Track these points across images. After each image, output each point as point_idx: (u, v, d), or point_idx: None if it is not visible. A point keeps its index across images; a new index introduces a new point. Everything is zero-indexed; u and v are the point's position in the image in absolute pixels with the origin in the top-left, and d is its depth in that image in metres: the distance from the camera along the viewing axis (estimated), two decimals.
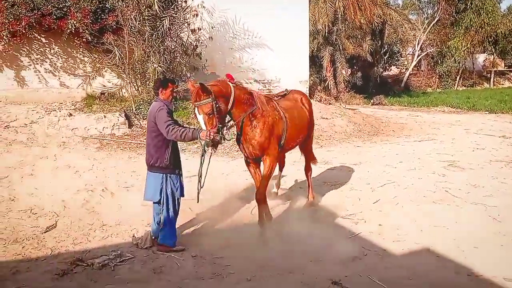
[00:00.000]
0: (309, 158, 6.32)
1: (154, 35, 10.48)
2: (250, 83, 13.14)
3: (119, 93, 11.24)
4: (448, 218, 5.63)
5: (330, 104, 13.95)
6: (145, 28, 10.35)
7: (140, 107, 10.38)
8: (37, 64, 10.73)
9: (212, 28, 12.25)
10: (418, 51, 28.41)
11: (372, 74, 25.10)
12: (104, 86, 11.25)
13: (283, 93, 5.91)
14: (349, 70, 24.12)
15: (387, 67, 28.25)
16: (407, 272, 4.23)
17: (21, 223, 5.57)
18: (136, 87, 10.94)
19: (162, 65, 10.48)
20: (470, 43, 28.06)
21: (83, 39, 10.28)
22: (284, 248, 4.77)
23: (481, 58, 32.77)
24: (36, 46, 10.67)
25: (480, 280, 4.07)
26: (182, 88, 10.33)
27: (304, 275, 4.17)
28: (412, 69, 28.98)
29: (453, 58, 28.20)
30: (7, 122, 9.34)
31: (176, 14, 10.69)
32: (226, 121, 4.86)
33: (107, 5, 10.64)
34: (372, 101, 21.08)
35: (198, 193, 4.77)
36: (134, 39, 10.43)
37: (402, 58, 30.28)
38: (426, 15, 31.16)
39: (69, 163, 7.81)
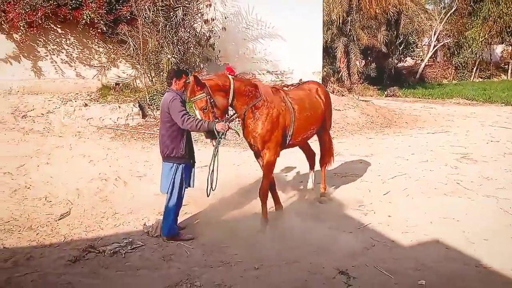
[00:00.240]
0: (325, 151, 6.11)
1: (167, 25, 10.49)
2: (263, 74, 13.12)
3: (134, 84, 11.33)
4: (458, 210, 5.60)
5: (343, 95, 13.86)
6: (159, 18, 10.35)
7: (154, 98, 10.47)
8: (54, 54, 10.87)
9: (225, 18, 12.24)
10: (434, 41, 27.86)
11: (386, 65, 24.73)
12: (119, 76, 11.35)
13: (297, 84, 5.90)
14: (363, 61, 23.75)
15: (402, 58, 27.77)
16: (415, 263, 4.23)
17: (36, 210, 5.73)
18: (150, 77, 11.00)
19: (175, 56, 10.51)
20: (488, 34, 27.39)
21: (98, 30, 10.36)
22: (292, 238, 4.81)
23: (498, 49, 31.94)
24: (53, 36, 10.80)
25: (489, 271, 4.05)
26: None
27: (311, 265, 4.21)
28: (428, 60, 28.45)
29: (470, 49, 27.59)
30: (25, 112, 9.53)
31: (189, 5, 10.69)
32: (228, 115, 4.78)
33: None
34: (386, 92, 20.83)
35: (208, 187, 4.74)
36: (148, 29, 10.45)
37: (418, 49, 29.67)
38: (443, 5, 30.41)
39: (84, 152, 7.97)
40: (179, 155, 4.68)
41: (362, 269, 4.11)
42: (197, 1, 11.06)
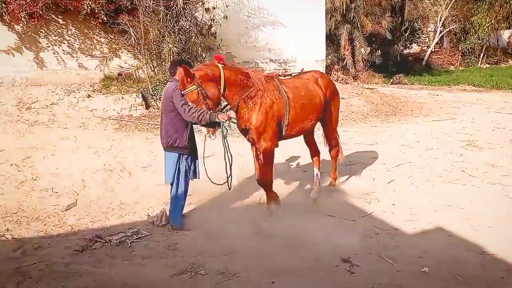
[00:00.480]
0: (330, 144, 5.92)
1: (168, 15, 10.42)
2: (266, 62, 13.09)
3: (136, 74, 11.33)
4: (463, 197, 5.60)
5: (347, 83, 13.78)
6: (159, 8, 10.28)
7: (157, 88, 10.45)
8: (55, 45, 10.86)
9: (226, 7, 12.13)
10: (440, 27, 27.51)
11: (392, 52, 24.48)
12: (121, 67, 11.34)
13: (298, 73, 5.81)
14: (368, 48, 23.54)
15: (408, 45, 27.46)
16: (418, 250, 4.25)
17: (43, 201, 5.79)
18: (152, 67, 10.98)
19: (177, 46, 10.45)
20: (495, 19, 26.96)
21: (99, 20, 10.33)
22: (295, 227, 4.83)
23: (506, 34, 31.46)
24: (54, 27, 10.77)
25: (493, 258, 4.07)
26: None
27: (314, 253, 4.24)
28: (434, 46, 28.11)
29: (477, 34, 27.21)
30: (29, 104, 9.57)
31: None
32: (221, 106, 4.67)
33: None
34: (391, 80, 20.65)
35: (229, 180, 4.71)
36: (149, 19, 10.38)
37: (424, 36, 29.32)
38: None
39: (89, 143, 8.01)
40: (183, 145, 4.68)
41: (365, 257, 4.13)
42: None
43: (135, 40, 10.51)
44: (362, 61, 20.45)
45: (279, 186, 6.26)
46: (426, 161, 7.21)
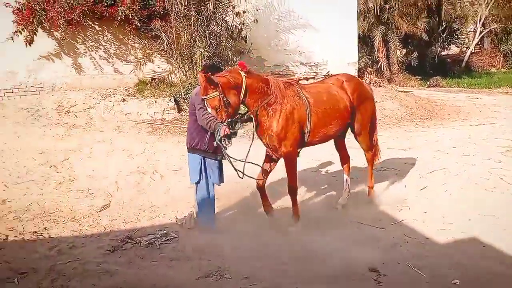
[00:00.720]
0: (365, 148, 5.74)
1: (199, 19, 10.56)
2: (297, 66, 13.05)
3: (169, 78, 11.58)
4: (499, 206, 5.35)
5: (380, 86, 13.53)
6: (190, 12, 10.43)
7: (189, 92, 10.60)
8: (92, 51, 11.27)
9: (256, 10, 12.19)
10: (480, 28, 26.51)
11: (429, 54, 23.79)
12: (154, 71, 11.64)
13: (323, 77, 5.73)
14: (404, 50, 23.00)
15: (446, 46, 26.60)
16: (449, 261, 4.11)
17: (79, 202, 6.02)
18: (184, 72, 11.18)
19: (208, 50, 10.58)
20: None
21: (133, 26, 10.62)
22: (324, 233, 4.79)
23: None
24: (91, 33, 11.19)
25: None
26: None
27: (341, 260, 4.18)
28: (474, 47, 27.13)
29: None
30: (67, 108, 9.98)
31: None
32: (240, 113, 4.65)
33: None
34: (428, 83, 20.01)
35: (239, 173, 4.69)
36: (181, 24, 10.57)
37: (463, 36, 28.34)
38: None
39: (123, 146, 8.26)
40: (203, 148, 4.74)
41: (393, 266, 4.04)
42: None
43: (167, 45, 10.74)
44: (397, 63, 20.00)
45: (307, 191, 6.26)
46: (462, 168, 6.95)
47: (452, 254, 4.27)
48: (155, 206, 5.92)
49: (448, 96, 15.15)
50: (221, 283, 3.87)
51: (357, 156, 6.40)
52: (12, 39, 10.13)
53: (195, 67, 10.83)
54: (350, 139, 5.94)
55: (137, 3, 10.34)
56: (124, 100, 10.30)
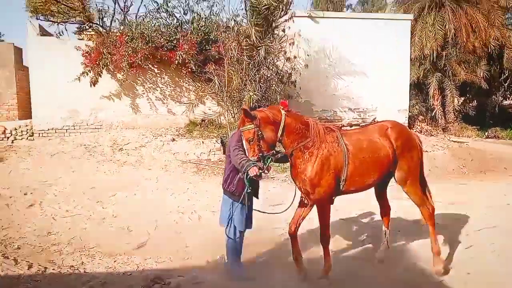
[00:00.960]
0: (416, 203, 5.30)
1: (251, 64, 10.99)
2: (345, 111, 13.02)
3: (218, 120, 12.02)
4: None
5: (431, 135, 13.06)
6: (243, 57, 10.89)
7: None
8: (150, 92, 12.04)
9: (307, 56, 12.46)
10: None
11: (489, 103, 22.72)
12: (205, 113, 12.15)
13: (367, 124, 5.61)
14: (461, 98, 22.15)
15: (508, 96, 25.35)
16: None
17: (118, 239, 6.24)
18: (232, 114, 11.55)
19: (257, 93, 10.90)
20: None
21: (189, 69, 11.29)
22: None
23: None
24: (150, 76, 12.00)
25: None
26: None
27: None
28: None
29: None
30: (121, 145, 10.60)
31: (272, 44, 11.07)
32: (274, 150, 4.60)
33: (211, 37, 11.58)
34: (486, 133, 18.97)
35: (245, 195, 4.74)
36: (233, 68, 11.04)
37: None
38: None
39: (168, 185, 8.57)
40: (231, 190, 4.79)
41: None
42: (280, 40, 11.42)
43: (218, 88, 11.22)
44: (454, 112, 19.24)
45: (343, 241, 6.07)
46: None
47: None
48: (189, 247, 5.99)
49: (506, 149, 14.24)
50: None
51: (401, 207, 6.15)
52: (79, 80, 11.07)
53: None
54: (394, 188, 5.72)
55: (194, 48, 11.00)
56: (173, 139, 10.78)
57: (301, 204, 4.99)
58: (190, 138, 11.03)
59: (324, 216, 4.77)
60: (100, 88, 11.49)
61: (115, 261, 5.48)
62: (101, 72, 11.27)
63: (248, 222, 4.95)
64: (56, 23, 12.23)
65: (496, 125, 19.99)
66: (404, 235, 6.06)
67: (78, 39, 12.63)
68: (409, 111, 15.07)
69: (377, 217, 6.80)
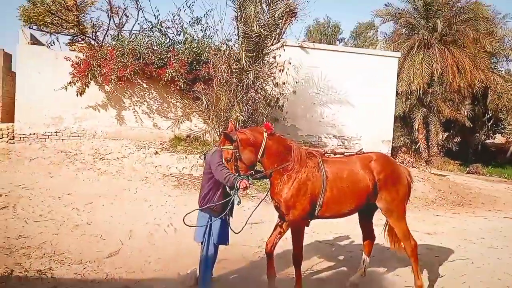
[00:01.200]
0: (401, 238, 5.24)
1: (239, 86, 11.14)
2: (329, 138, 13.19)
3: (203, 137, 12.05)
4: None
5: (413, 167, 13.24)
6: (232, 79, 11.06)
7: None
8: (136, 106, 12.06)
9: (296, 82, 12.70)
10: None
11: (472, 141, 23.28)
12: (191, 129, 12.18)
13: (353, 153, 5.58)
14: (445, 134, 22.66)
15: (491, 135, 26.01)
16: None
17: (90, 246, 6.12)
18: (218, 132, 11.60)
19: (243, 114, 11.01)
20: None
21: (177, 86, 11.39)
22: None
23: None
24: (138, 90, 12.04)
25: None
26: None
27: None
28: None
29: None
30: (103, 155, 10.52)
31: (261, 68, 11.27)
32: (253, 171, 4.65)
33: (202, 58, 11.72)
34: (468, 169, 19.39)
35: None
36: (222, 89, 11.19)
37: (510, 127, 27.65)
38: None
39: (146, 197, 8.48)
40: (212, 207, 4.78)
41: None
42: (270, 66, 11.64)
43: (205, 107, 11.32)
44: (437, 146, 19.68)
45: (318, 264, 6.05)
46: (487, 260, 6.48)
47: None
48: (161, 259, 5.89)
49: (485, 185, 14.51)
50: None
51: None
52: (66, 89, 11.06)
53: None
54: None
55: (184, 67, 11.13)
56: (156, 152, 10.75)
57: (279, 223, 4.99)
58: (173, 152, 11.01)
59: (297, 237, 4.76)
60: (86, 98, 11.48)
61: (84, 268, 5.37)
62: (89, 83, 11.30)
63: (226, 238, 4.92)
64: (49, 34, 12.30)
65: (478, 161, 20.44)
66: (381, 261, 6.05)
67: (70, 50, 12.70)
68: (394, 142, 15.34)
69: (355, 241, 6.84)
